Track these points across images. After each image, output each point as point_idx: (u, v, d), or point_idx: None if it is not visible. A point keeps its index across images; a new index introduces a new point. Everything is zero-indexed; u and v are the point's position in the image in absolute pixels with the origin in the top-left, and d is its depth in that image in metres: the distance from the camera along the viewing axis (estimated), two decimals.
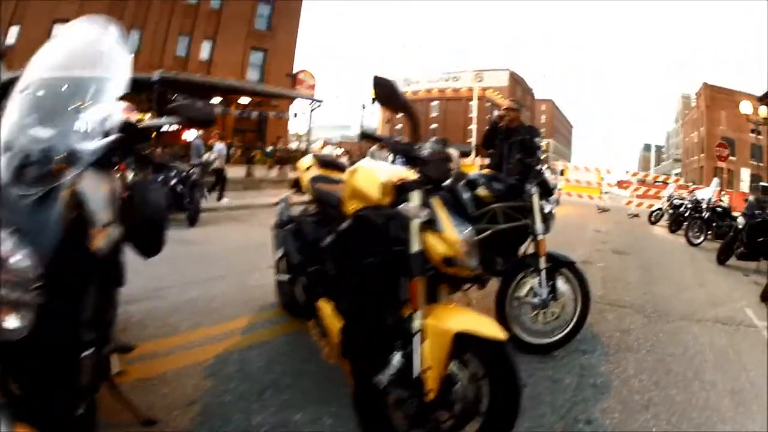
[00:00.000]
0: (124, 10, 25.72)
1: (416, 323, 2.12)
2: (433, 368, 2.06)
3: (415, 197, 2.27)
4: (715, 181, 13.76)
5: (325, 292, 2.80)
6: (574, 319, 3.89)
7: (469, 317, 2.22)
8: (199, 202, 9.90)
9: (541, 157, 5.76)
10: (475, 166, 23.93)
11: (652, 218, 16.49)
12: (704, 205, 12.17)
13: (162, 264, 5.17)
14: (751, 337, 4.95)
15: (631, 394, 3.32)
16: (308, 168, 3.94)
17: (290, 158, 26.26)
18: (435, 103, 66.55)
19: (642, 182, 22.39)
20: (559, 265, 3.92)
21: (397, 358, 2.15)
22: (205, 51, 29.94)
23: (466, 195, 2.46)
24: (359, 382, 2.32)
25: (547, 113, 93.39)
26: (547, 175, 4.23)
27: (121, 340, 2.55)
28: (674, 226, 13.93)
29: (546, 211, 4.04)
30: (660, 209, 16.53)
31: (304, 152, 30.22)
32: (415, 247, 2.20)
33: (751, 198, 11.07)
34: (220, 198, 14.46)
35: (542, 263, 3.82)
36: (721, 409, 3.23)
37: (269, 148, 24.78)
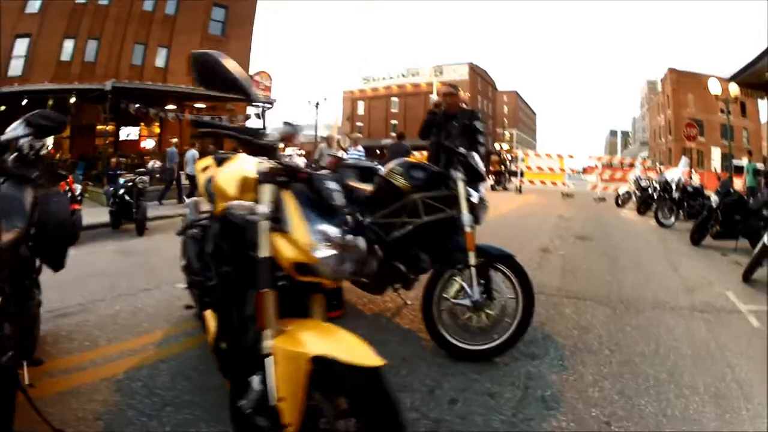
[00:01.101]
0: (81, 22, 25.65)
1: (266, 344, 1.78)
2: (287, 398, 1.72)
3: (264, 192, 1.96)
4: (684, 160, 13.68)
5: (210, 303, 2.52)
6: (516, 320, 3.43)
7: (333, 338, 1.84)
8: (146, 211, 9.73)
9: (482, 141, 5.47)
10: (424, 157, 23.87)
11: (619, 201, 16.49)
12: (674, 186, 12.00)
13: (99, 276, 5.60)
14: (735, 326, 4.43)
15: (588, 407, 2.80)
16: (205, 169, 3.71)
17: None
18: (394, 99, 66.40)
19: (608, 166, 22.31)
20: (492, 260, 3.48)
21: (256, 382, 1.82)
22: (160, 58, 29.18)
23: (331, 185, 2.07)
24: (231, 404, 1.98)
25: (509, 104, 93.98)
26: (476, 159, 3.73)
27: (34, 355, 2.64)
28: (642, 208, 13.88)
29: (473, 199, 3.63)
30: (627, 192, 16.52)
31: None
32: (262, 252, 1.87)
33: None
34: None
35: (471, 259, 3.38)
36: (702, 419, 2.71)
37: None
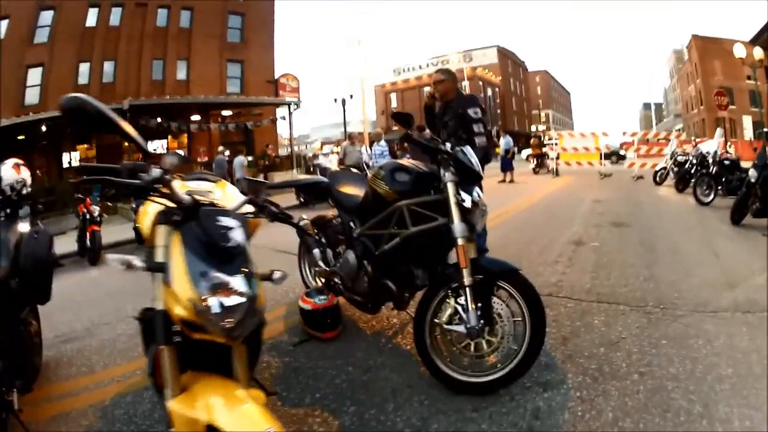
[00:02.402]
0: (93, 46, 26.22)
1: (167, 405, 1.63)
2: None
3: (158, 235, 1.83)
4: (719, 131, 12.73)
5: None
6: (524, 347, 2.83)
7: (233, 405, 1.62)
8: None
9: (481, 130, 4.80)
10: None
11: (657, 178, 15.60)
12: (710, 159, 11.13)
13: (111, 297, 5.73)
14: None
15: None
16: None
17: (279, 165, 25.77)
18: (427, 88, 65.92)
19: (644, 141, 21.25)
20: (492, 277, 2.90)
21: None
22: (181, 71, 29.44)
23: (225, 221, 1.69)
24: None
25: (541, 84, 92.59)
26: (468, 154, 3.14)
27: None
28: (681, 185, 13.00)
29: (466, 204, 3.01)
30: (665, 168, 15.61)
31: (301, 156, 29.82)
32: (157, 304, 1.73)
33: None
34: None
35: (466, 277, 2.82)
36: None
37: (249, 158, 24.06)
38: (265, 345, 3.77)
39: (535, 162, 23.62)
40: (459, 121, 4.89)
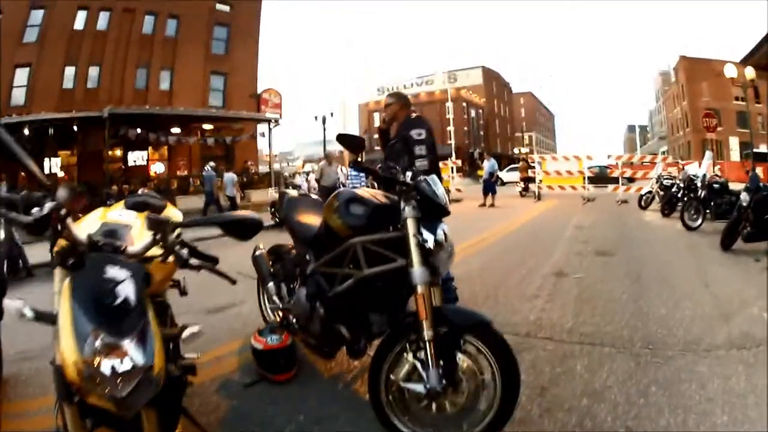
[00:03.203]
0: (80, 49, 25.90)
1: None
2: None
3: (55, 279, 1.76)
4: (708, 154, 12.58)
5: None
6: (493, 410, 2.42)
7: None
8: None
9: (422, 153, 4.40)
10: (447, 168, 23.08)
11: (642, 203, 15.46)
12: (699, 183, 11.03)
13: None
14: None
15: None
16: None
17: (257, 182, 25.42)
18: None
19: (628, 164, 21.11)
20: (457, 332, 2.49)
21: None
22: (164, 81, 29.03)
23: (114, 271, 1.54)
24: None
25: (526, 106, 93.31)
26: (433, 184, 2.77)
27: None
28: (667, 209, 12.87)
29: (429, 244, 2.62)
30: (650, 192, 15.47)
31: (281, 174, 29.49)
32: (56, 358, 1.56)
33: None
34: None
35: (426, 330, 2.43)
36: None
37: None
38: (216, 383, 3.54)
39: (523, 185, 23.29)
40: (404, 144, 4.54)
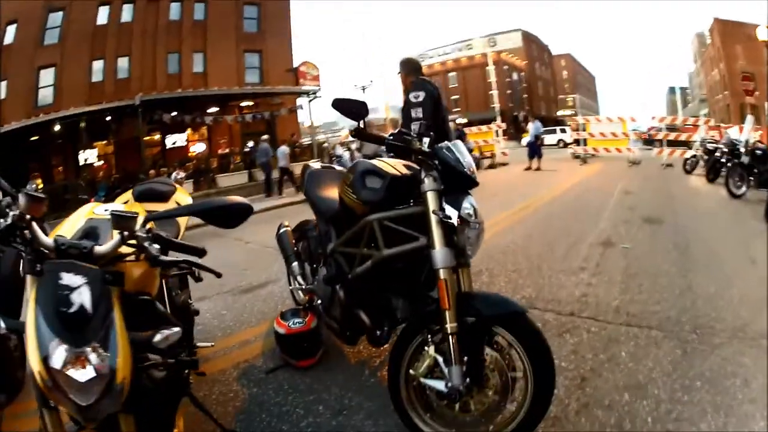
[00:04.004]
0: (106, 43, 25.94)
1: None
2: None
3: (27, 286, 1.60)
4: (749, 118, 11.90)
5: None
6: (524, 409, 2.12)
7: None
8: None
9: (418, 116, 4.16)
10: (491, 132, 22.59)
11: (687, 167, 14.87)
12: (742, 149, 10.45)
13: None
14: None
15: None
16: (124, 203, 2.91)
17: (299, 154, 25.37)
18: (452, 74, 65.25)
19: (672, 128, 20.27)
20: (488, 322, 2.16)
21: None
22: (198, 64, 28.96)
23: (71, 278, 1.50)
24: None
25: (567, 68, 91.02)
26: (457, 151, 2.37)
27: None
28: (712, 175, 12.26)
29: (452, 220, 2.23)
30: (695, 156, 14.85)
31: (320, 144, 29.43)
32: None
33: None
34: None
35: (449, 322, 2.11)
36: None
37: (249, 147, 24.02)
38: (237, 370, 3.42)
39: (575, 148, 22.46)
40: (406, 108, 4.31)
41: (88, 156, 24.87)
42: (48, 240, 1.58)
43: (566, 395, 2.69)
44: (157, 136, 26.16)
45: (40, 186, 20.96)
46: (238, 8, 30.51)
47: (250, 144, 24.38)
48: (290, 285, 4.20)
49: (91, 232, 1.85)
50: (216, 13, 29.38)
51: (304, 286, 3.56)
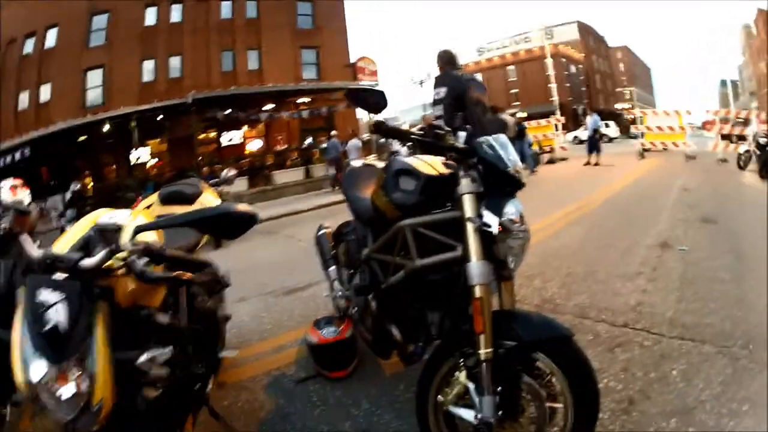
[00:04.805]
0: (156, 43, 26.58)
1: None
2: None
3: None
4: None
5: None
6: None
7: None
8: None
9: (438, 115, 4.08)
10: (551, 126, 22.00)
11: (741, 162, 14.06)
12: None
13: None
14: None
15: None
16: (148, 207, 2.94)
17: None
18: (511, 67, 64.50)
19: (725, 121, 19.35)
20: (528, 348, 1.93)
21: None
22: (253, 61, 29.31)
23: (44, 294, 1.47)
24: None
25: (624, 60, 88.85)
26: (499, 145, 2.13)
27: None
28: (764, 171, 11.53)
29: (491, 228, 1.99)
30: (748, 151, 14.00)
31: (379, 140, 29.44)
32: None
33: None
34: None
35: (483, 347, 1.87)
36: None
37: (323, 145, 23.93)
38: (267, 378, 3.35)
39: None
40: (453, 101, 4.13)
41: (141, 154, 25.42)
42: (35, 253, 1.56)
43: (611, 420, 2.47)
44: (212, 134, 26.57)
45: (89, 185, 21.74)
46: (291, 5, 30.68)
47: (309, 140, 24.42)
48: (330, 290, 3.88)
49: (92, 242, 1.78)
50: (268, 11, 29.60)
51: (340, 293, 3.37)
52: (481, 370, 1.89)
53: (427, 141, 2.12)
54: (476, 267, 1.94)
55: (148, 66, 26.44)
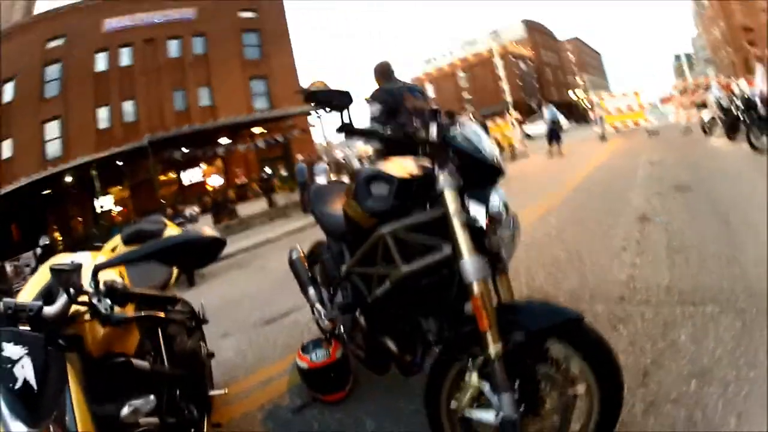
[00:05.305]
0: (108, 89, 26.56)
1: None
2: None
3: None
4: (760, 69, 11.48)
5: None
6: (591, 428, 1.79)
7: None
8: None
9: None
10: (507, 125, 22.28)
11: (706, 129, 14.44)
12: (758, 101, 9.98)
13: None
14: None
15: None
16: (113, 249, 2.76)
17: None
18: (462, 74, 65.28)
19: (684, 92, 19.80)
20: (539, 337, 1.79)
21: None
22: (204, 97, 29.34)
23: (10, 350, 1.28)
24: None
25: (574, 51, 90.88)
26: (472, 134, 1.99)
27: None
28: (732, 132, 11.81)
29: (479, 222, 1.88)
30: (712, 118, 14.34)
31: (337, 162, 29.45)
32: None
33: None
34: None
35: (491, 345, 1.73)
36: None
37: (284, 172, 23.66)
38: (261, 412, 3.15)
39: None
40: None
41: (104, 203, 25.20)
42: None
43: (630, 395, 2.32)
44: (172, 175, 26.37)
45: (59, 238, 21.34)
46: (237, 37, 30.77)
47: (268, 171, 24.33)
48: (312, 313, 3.68)
49: (54, 289, 1.58)
50: (216, 45, 29.70)
51: (323, 313, 3.20)
52: (493, 369, 1.75)
53: (398, 139, 2.01)
54: (470, 263, 1.80)
55: (103, 113, 26.36)
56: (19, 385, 1.20)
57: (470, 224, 1.86)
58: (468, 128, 2.02)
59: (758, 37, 39.35)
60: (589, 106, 22.71)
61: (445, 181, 1.90)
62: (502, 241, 1.95)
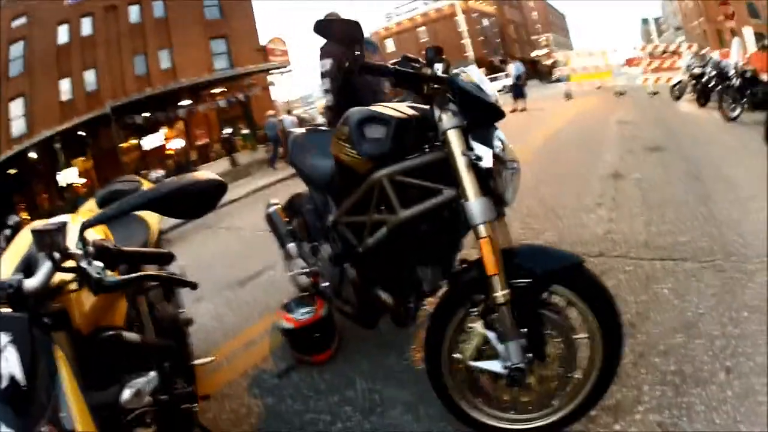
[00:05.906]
0: (70, 60, 25.65)
1: None
2: None
3: None
4: (737, 41, 11.75)
5: None
6: (592, 377, 1.80)
7: None
8: None
9: (327, 87, 3.86)
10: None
11: (676, 93, 14.70)
12: (732, 71, 10.24)
13: None
14: None
15: None
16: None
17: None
18: (422, 29, 64.44)
19: (653, 56, 19.96)
20: (544, 282, 1.76)
21: None
22: (165, 60, 28.45)
23: None
24: None
25: (538, 9, 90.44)
26: (472, 77, 1.86)
27: None
28: (703, 99, 12.08)
29: (484, 162, 1.76)
30: (680, 82, 14.69)
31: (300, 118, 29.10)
32: None
33: None
34: None
35: (498, 291, 1.69)
36: None
37: (245, 131, 23.89)
38: (246, 379, 2.98)
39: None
40: None
41: (68, 175, 24.62)
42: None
43: None
44: (134, 141, 25.83)
45: (26, 216, 20.68)
46: None
47: (228, 130, 23.89)
48: (289, 270, 3.48)
49: (33, 260, 1.36)
50: (176, 7, 28.81)
51: (306, 269, 3.08)
52: (501, 315, 1.72)
53: (408, 72, 1.87)
54: (477, 205, 1.74)
55: (65, 85, 25.45)
56: (5, 383, 0.95)
57: (475, 165, 1.78)
58: (469, 70, 1.93)
59: (735, 10, 39.60)
60: (553, 65, 22.71)
61: (448, 120, 1.81)
62: (505, 182, 1.87)
